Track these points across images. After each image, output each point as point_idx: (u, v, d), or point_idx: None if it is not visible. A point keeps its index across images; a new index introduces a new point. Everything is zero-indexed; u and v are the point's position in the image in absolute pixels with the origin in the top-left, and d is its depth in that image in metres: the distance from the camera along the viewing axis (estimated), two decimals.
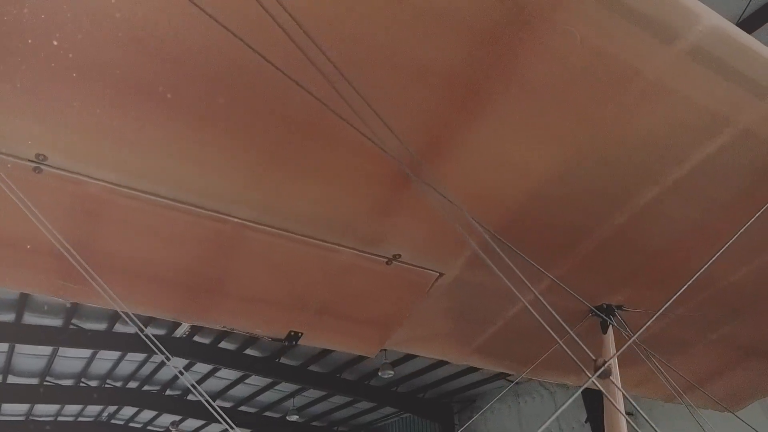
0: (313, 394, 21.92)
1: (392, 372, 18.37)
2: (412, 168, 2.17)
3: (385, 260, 2.69)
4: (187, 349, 18.17)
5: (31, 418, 22.43)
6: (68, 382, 20.24)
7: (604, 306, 3.26)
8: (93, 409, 23.25)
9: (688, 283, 2.18)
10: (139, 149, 2.16)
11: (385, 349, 16.07)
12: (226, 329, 2.78)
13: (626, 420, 2.67)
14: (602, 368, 1.73)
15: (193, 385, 2.17)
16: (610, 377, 1.83)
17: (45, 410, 22.38)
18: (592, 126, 2.28)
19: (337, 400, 22.37)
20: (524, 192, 2.51)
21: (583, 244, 2.82)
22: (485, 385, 19.85)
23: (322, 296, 2.81)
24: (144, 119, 2.12)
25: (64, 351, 18.17)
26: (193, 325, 18.19)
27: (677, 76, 2.07)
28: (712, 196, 2.63)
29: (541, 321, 1.93)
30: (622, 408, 2.79)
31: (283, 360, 19.56)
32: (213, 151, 2.20)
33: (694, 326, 3.54)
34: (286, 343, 2.86)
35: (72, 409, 22.60)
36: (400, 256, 2.68)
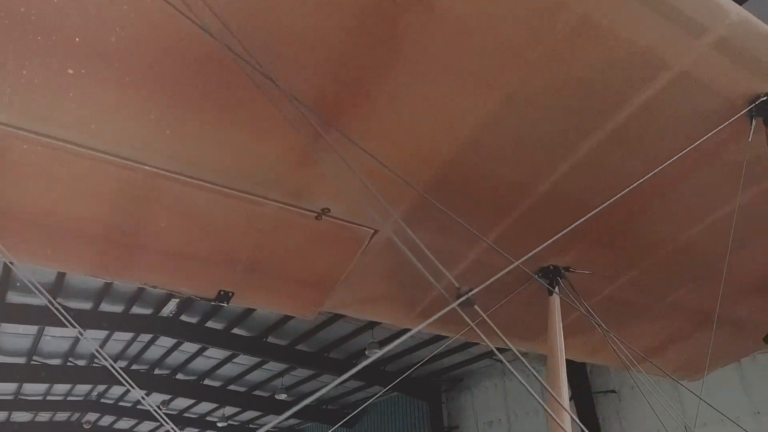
0: (301, 373, 22.01)
1: (379, 351, 18.42)
2: (322, 119, 2.05)
3: (315, 215, 2.57)
4: (174, 328, 18.15)
5: (19, 397, 22.47)
6: (56, 362, 20.26)
7: (551, 267, 3.16)
8: (82, 389, 23.31)
9: (591, 214, 2.06)
10: (38, 89, 2.03)
11: (372, 328, 16.11)
12: (148, 286, 2.67)
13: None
14: (465, 296, 1.62)
15: (99, 352, 2.07)
16: (476, 306, 1.72)
17: (34, 389, 22.41)
18: (523, 67, 2.15)
19: (326, 379, 22.45)
20: (456, 143, 2.39)
21: (524, 199, 2.71)
22: (472, 365, 19.94)
23: (251, 253, 2.70)
24: (44, 57, 1.99)
25: (49, 330, 18.13)
26: (180, 304, 18.14)
27: (604, 10, 1.95)
28: (655, 146, 2.52)
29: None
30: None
31: (270, 339, 19.58)
32: (118, 93, 2.07)
33: (646, 291, 3.45)
34: (217, 302, 2.75)
35: (61, 388, 22.64)
36: (329, 210, 2.56)
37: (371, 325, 18.35)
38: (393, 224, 2.69)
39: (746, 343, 4.41)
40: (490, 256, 3.05)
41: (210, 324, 18.30)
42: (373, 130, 2.25)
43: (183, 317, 18.22)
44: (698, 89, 2.26)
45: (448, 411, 21.86)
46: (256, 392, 23.57)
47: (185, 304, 17.46)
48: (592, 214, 2.05)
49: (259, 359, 20.87)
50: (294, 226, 2.63)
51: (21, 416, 24.21)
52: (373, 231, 2.76)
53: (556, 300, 3.10)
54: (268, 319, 18.49)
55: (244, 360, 21.09)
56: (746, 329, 4.08)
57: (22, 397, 22.52)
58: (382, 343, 18.59)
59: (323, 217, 2.59)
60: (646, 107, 2.31)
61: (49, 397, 23.28)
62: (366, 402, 24.31)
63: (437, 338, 17.62)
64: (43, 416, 24.93)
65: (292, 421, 27.47)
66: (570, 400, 16.43)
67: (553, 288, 3.12)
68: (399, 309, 3.38)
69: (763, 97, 2.31)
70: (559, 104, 2.30)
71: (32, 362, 19.52)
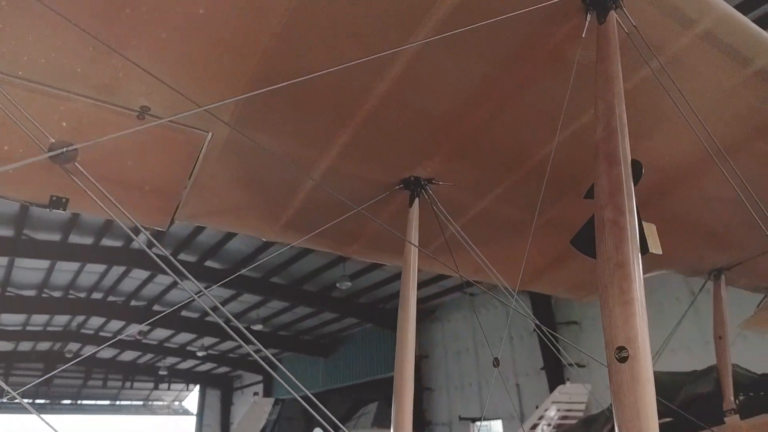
0: (276, 305, 22.42)
1: (350, 283, 18.71)
2: None
3: (136, 114, 2.43)
4: (146, 261, 18.21)
5: None
6: (30, 293, 20.43)
7: (412, 179, 3.06)
8: (61, 319, 23.69)
9: None
10: None
11: (343, 262, 16.15)
12: None
13: None
14: (61, 151, 1.52)
15: None
16: (76, 163, 1.62)
17: (12, 320, 22.75)
18: None
19: (301, 311, 22.94)
20: (270, 31, 2.20)
21: (364, 102, 2.56)
22: (444, 297, 20.38)
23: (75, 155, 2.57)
24: None
25: (20, 261, 18.18)
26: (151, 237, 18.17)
27: None
28: (490, 43, 2.36)
29: None
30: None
31: (244, 272, 19.77)
32: None
33: (521, 207, 3.36)
34: (52, 209, 2.65)
35: (39, 319, 23.00)
36: (149, 108, 2.41)
37: (343, 258, 18.59)
38: (227, 126, 2.57)
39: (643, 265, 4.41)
40: (348, 162, 2.95)
41: (182, 256, 18.40)
42: (166, 19, 2.08)
43: (154, 250, 18.23)
44: None
45: (420, 341, 22.51)
46: (233, 323, 24.05)
47: (156, 237, 17.49)
48: None
49: (234, 291, 21.17)
50: (116, 127, 2.47)
51: (2, 346, 24.73)
52: (208, 134, 2.62)
53: (415, 211, 3.02)
54: (240, 252, 18.63)
55: (220, 292, 21.38)
56: None
57: (1, 327, 22.88)
58: (353, 277, 18.87)
59: (146, 116, 2.45)
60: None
61: (28, 327, 23.69)
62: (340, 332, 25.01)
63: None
64: (25, 346, 25.47)
65: (271, 352, 28.29)
66: (533, 331, 16.95)
67: (414, 198, 3.04)
68: (261, 220, 3.29)
69: None
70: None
71: (7, 293, 19.68)
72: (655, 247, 2.57)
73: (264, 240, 3.49)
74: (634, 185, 2.00)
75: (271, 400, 17.50)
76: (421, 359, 22.06)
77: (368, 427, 17.76)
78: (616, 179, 1.97)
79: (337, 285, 18.76)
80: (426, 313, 22.38)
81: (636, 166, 2.03)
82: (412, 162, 2.98)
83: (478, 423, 18.88)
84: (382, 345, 22.90)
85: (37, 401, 32.08)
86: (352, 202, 2.98)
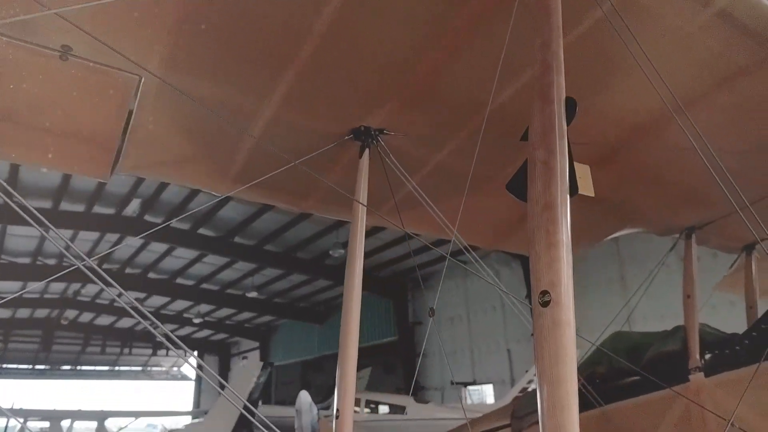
0: (271, 272, 22.49)
1: (343, 251, 18.72)
2: None
3: (58, 54, 2.29)
4: (138, 228, 18.16)
5: None
6: (25, 260, 20.48)
7: (362, 129, 2.94)
8: (57, 287, 23.81)
9: None
10: None
11: (336, 230, 16.01)
12: None
13: None
14: None
15: None
16: None
17: (7, 287, 22.85)
18: None
19: (295, 278, 23.03)
20: None
21: (302, 45, 2.41)
22: (437, 265, 20.39)
23: None
24: None
25: (13, 229, 18.17)
26: (143, 204, 18.07)
27: None
28: None
29: None
30: None
31: (237, 239, 19.79)
32: None
33: (481, 160, 3.23)
34: None
35: (35, 286, 23.09)
36: (71, 48, 2.28)
37: (336, 226, 18.55)
38: (158, 69, 2.43)
39: (612, 222, 4.32)
40: (293, 111, 2.82)
41: (175, 225, 18.33)
42: None
43: (147, 217, 18.23)
44: None
45: (413, 308, 22.66)
46: (229, 290, 24.20)
47: (148, 204, 17.43)
48: None
49: (228, 259, 21.21)
50: (39, 69, 2.35)
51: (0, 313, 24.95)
52: (139, 78, 2.49)
53: (364, 161, 2.91)
54: (233, 219, 18.60)
55: (214, 260, 21.44)
56: (607, 206, 3.96)
57: None
58: (346, 245, 18.82)
59: (69, 57, 2.31)
60: None
61: (25, 295, 23.83)
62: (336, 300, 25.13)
63: (405, 238, 17.89)
64: (23, 313, 25.68)
65: (267, 318, 28.53)
66: (525, 298, 17.02)
67: (364, 148, 2.92)
68: (208, 173, 3.17)
69: None
70: None
71: (1, 261, 19.74)
72: (586, 189, 2.46)
73: (218, 195, 3.36)
74: (568, 124, 1.89)
75: (260, 363, 17.72)
76: (414, 326, 22.27)
77: (362, 392, 18.01)
78: (549, 118, 1.86)
79: (331, 252, 18.77)
80: (419, 281, 22.45)
81: (570, 103, 1.91)
82: (362, 111, 2.85)
83: (469, 387, 19.14)
84: (376, 312, 23.05)
85: (37, 367, 32.56)
86: (302, 155, 2.86)
